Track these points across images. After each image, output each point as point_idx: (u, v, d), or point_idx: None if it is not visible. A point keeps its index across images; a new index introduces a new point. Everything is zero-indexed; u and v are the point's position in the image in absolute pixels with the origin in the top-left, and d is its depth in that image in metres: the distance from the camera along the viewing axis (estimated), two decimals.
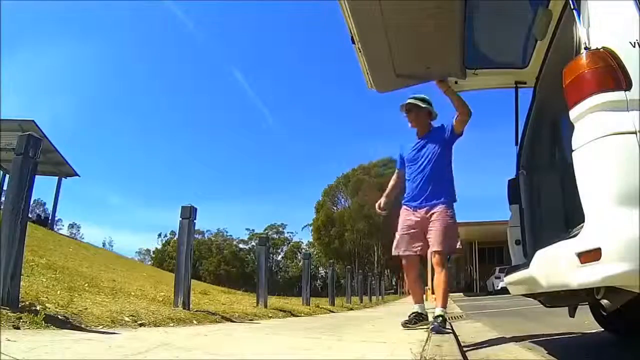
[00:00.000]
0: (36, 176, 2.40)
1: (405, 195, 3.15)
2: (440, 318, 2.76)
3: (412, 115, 3.11)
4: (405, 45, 2.70)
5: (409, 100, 3.08)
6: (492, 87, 3.24)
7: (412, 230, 3.00)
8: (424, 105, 3.08)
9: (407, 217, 3.05)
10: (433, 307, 2.97)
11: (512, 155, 2.92)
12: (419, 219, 2.98)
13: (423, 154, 3.06)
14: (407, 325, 2.99)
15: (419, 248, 3.00)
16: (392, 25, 2.49)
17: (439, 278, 2.92)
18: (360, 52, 2.71)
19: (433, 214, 2.93)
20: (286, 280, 49.69)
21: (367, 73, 2.93)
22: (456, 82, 3.10)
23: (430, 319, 2.89)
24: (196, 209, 3.93)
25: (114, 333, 2.21)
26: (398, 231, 3.08)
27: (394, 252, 3.11)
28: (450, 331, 2.77)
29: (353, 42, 2.63)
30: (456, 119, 3.00)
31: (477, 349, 2.72)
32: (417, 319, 3.01)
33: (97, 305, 2.89)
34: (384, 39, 2.58)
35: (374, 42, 2.61)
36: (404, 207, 3.11)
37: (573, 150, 1.42)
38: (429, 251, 2.93)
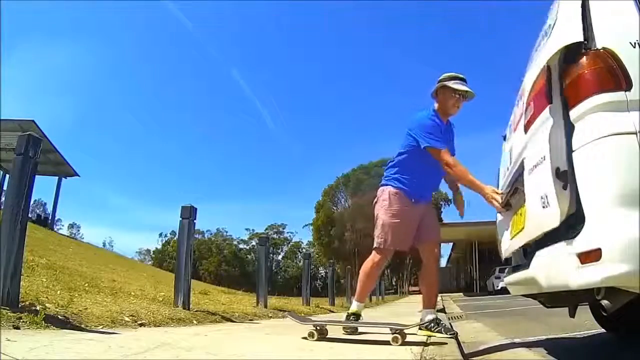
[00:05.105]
0: (36, 176, 2.40)
1: (407, 180, 2.74)
2: (434, 322, 2.62)
3: (462, 103, 2.75)
4: None
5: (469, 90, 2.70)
6: None
7: (412, 224, 2.74)
8: None
9: (408, 208, 2.71)
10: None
11: None
12: (417, 213, 2.75)
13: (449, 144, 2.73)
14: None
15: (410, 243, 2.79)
16: None
17: (436, 275, 2.78)
18: None
19: (427, 206, 2.84)
20: (286, 280, 49.65)
21: None
22: None
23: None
24: (196, 209, 3.93)
25: (114, 333, 2.21)
26: (397, 220, 2.68)
27: (389, 245, 2.70)
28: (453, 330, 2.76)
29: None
30: (447, 168, 2.59)
31: (477, 349, 2.72)
32: (354, 318, 2.78)
33: (97, 305, 2.89)
34: None
35: None
36: (405, 195, 2.71)
37: (573, 151, 1.42)
38: (433, 241, 2.76)
